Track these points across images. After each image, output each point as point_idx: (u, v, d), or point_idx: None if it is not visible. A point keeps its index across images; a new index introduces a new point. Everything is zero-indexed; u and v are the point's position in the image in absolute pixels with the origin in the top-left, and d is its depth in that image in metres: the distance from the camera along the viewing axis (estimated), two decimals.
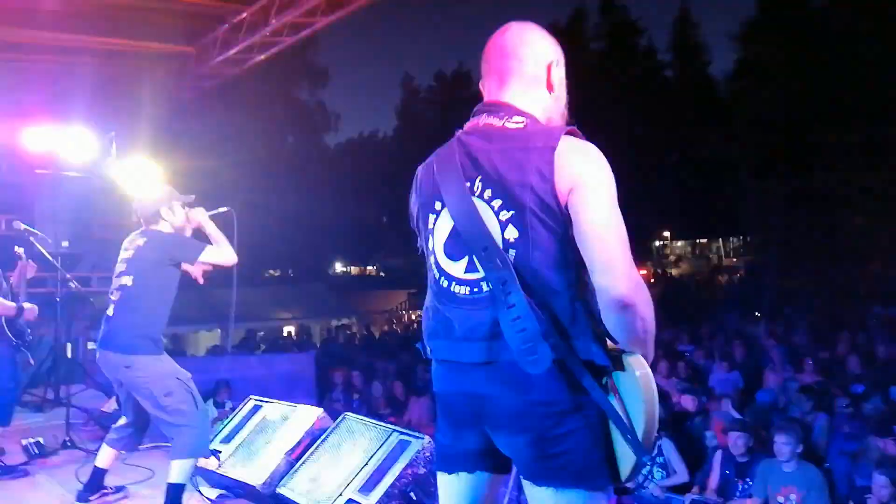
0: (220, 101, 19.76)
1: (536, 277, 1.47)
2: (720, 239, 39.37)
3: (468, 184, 1.56)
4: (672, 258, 40.63)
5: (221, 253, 3.61)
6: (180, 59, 7.56)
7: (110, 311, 3.50)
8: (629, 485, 1.51)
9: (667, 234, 38.53)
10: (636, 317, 1.44)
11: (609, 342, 1.50)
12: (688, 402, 6.70)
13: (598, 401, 1.44)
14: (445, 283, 1.60)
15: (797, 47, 24.14)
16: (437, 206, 1.63)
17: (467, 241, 1.54)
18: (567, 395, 1.46)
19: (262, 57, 7.32)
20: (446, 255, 1.61)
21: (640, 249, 33.90)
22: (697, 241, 40.69)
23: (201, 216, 3.70)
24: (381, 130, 44.78)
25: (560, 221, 1.48)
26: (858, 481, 5.02)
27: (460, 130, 1.67)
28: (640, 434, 1.42)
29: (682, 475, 5.66)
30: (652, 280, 33.75)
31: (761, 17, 28.62)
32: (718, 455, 5.49)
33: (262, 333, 17.65)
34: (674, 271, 36.43)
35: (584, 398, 1.46)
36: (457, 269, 1.58)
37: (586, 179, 1.47)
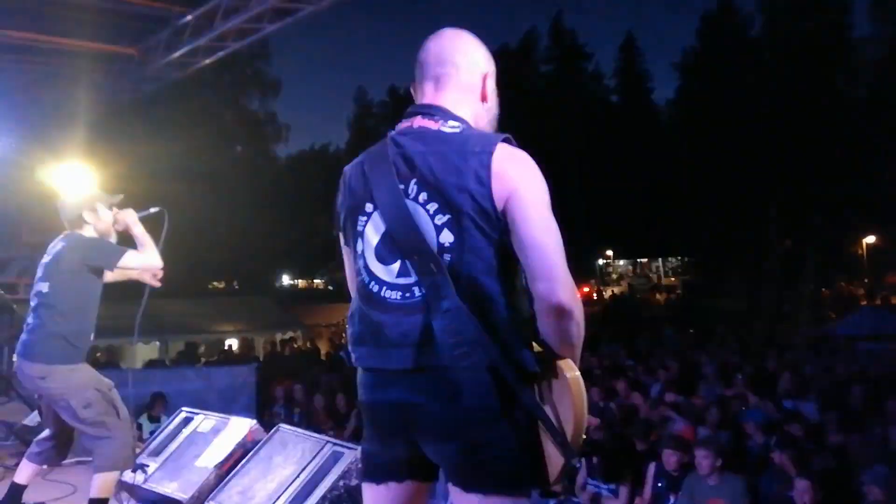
0: (165, 106, 19.30)
1: (471, 283, 1.46)
2: (660, 259, 40.52)
3: (402, 186, 1.52)
4: (614, 276, 41.57)
5: (145, 257, 3.46)
6: (121, 61, 7.36)
7: (29, 320, 3.36)
8: (556, 488, 1.52)
9: (609, 252, 39.40)
10: (572, 322, 1.46)
11: (536, 346, 1.51)
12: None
13: (528, 405, 1.44)
14: (376, 288, 1.56)
15: (734, 76, 25.21)
16: (368, 207, 1.58)
17: (400, 244, 1.51)
18: (497, 401, 1.45)
19: (207, 61, 7.20)
20: (377, 258, 1.56)
21: (584, 268, 34.57)
22: (638, 260, 41.77)
23: (129, 217, 3.53)
24: (332, 143, 44.61)
25: (496, 227, 1.47)
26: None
27: (393, 131, 1.64)
28: (569, 436, 1.43)
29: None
30: (594, 297, 34.44)
31: (701, 48, 29.85)
32: (651, 468, 5.59)
33: (203, 348, 17.18)
34: (615, 289, 37.27)
35: (514, 403, 1.45)
36: (388, 273, 1.54)
37: (524, 187, 1.48)
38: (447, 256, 1.47)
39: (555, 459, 1.46)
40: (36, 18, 6.33)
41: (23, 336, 3.35)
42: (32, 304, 3.36)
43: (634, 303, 31.12)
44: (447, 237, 1.47)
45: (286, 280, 40.01)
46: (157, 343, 15.94)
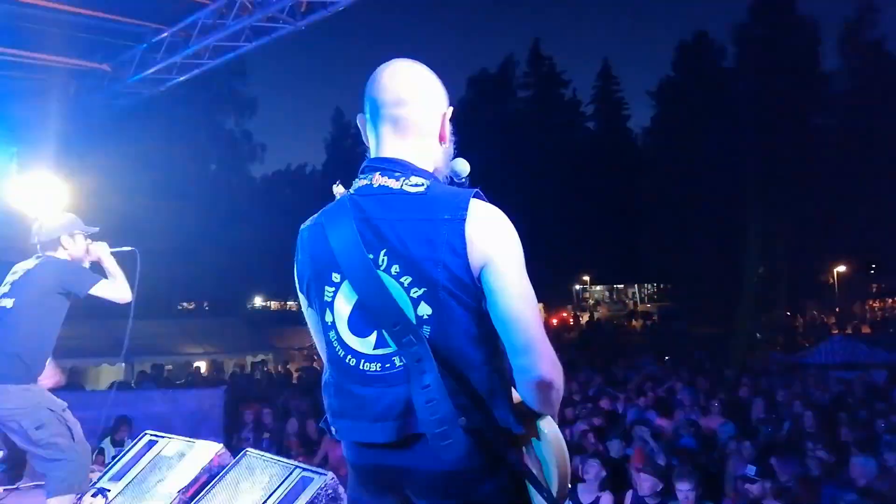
0: (139, 123, 19.10)
1: (453, 353, 1.43)
2: (636, 285, 40.90)
3: (371, 256, 1.46)
4: (591, 302, 41.80)
5: (116, 289, 3.50)
6: (94, 76, 7.25)
7: None
8: None
9: (586, 278, 39.68)
10: (553, 390, 1.45)
11: (517, 396, 1.51)
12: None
13: (514, 465, 1.46)
14: (353, 362, 1.51)
15: (709, 105, 25.79)
16: (336, 277, 1.51)
17: (376, 316, 1.46)
18: (484, 462, 1.45)
19: (182, 78, 7.12)
20: (351, 330, 1.51)
21: (561, 293, 34.72)
22: (615, 286, 42.11)
23: (102, 251, 3.58)
24: (309, 164, 44.53)
25: (474, 296, 1.44)
26: None
27: (351, 190, 1.55)
28: (554, 491, 1.45)
29: None
30: (571, 323, 34.56)
31: (676, 77, 30.54)
32: (629, 496, 5.55)
33: (171, 368, 16.80)
34: (592, 315, 37.47)
35: (500, 462, 1.46)
36: (364, 345, 1.50)
37: (499, 255, 1.44)
38: (426, 328, 1.43)
39: None
40: (6, 32, 6.22)
41: None
42: None
43: (611, 329, 31.29)
44: (425, 310, 1.44)
45: (258, 301, 39.52)
46: (123, 364, 15.54)
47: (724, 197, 23.63)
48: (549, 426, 1.46)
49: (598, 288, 43.06)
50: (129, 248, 3.72)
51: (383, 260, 1.46)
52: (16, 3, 5.73)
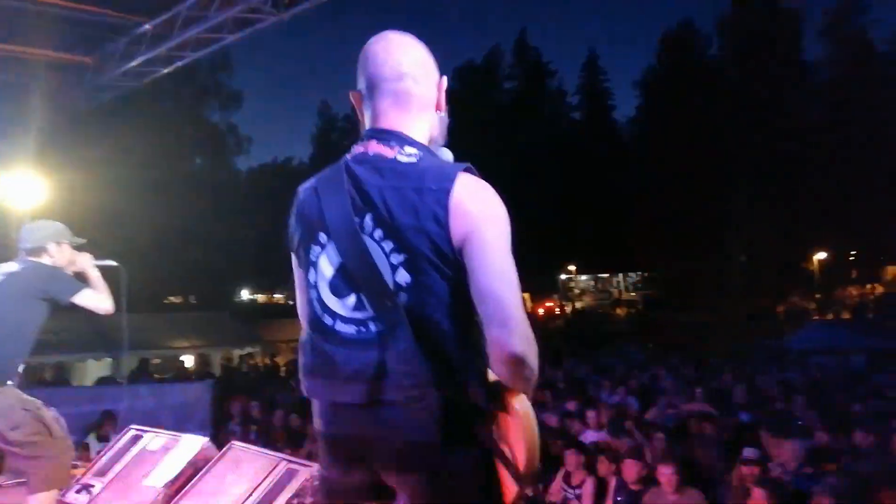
0: (122, 116, 18.90)
1: (428, 322, 1.44)
2: (620, 274, 41.11)
3: (357, 220, 1.48)
4: (576, 291, 41.99)
5: (99, 299, 3.45)
6: (76, 69, 7.17)
7: None
8: None
9: (572, 267, 39.84)
10: (526, 368, 1.44)
11: (491, 373, 1.51)
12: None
13: (483, 440, 1.46)
14: (329, 322, 1.54)
15: (693, 95, 25.91)
16: (323, 238, 1.54)
17: (356, 279, 1.48)
18: (453, 434, 1.45)
19: (165, 71, 7.06)
20: (332, 291, 1.53)
21: (547, 282, 34.85)
22: (599, 275, 42.31)
23: (86, 262, 3.56)
24: (295, 157, 44.22)
25: (453, 267, 1.45)
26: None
27: (348, 155, 1.58)
28: (521, 468, 1.44)
29: None
30: (557, 312, 34.73)
31: (661, 67, 30.64)
32: (612, 482, 5.62)
33: (158, 362, 16.72)
34: (578, 304, 37.66)
35: (469, 436, 1.46)
36: (343, 306, 1.52)
37: (482, 228, 1.44)
38: (403, 296, 1.45)
39: (510, 489, 1.49)
40: None
41: None
42: None
43: (596, 317, 31.48)
44: (403, 277, 1.45)
45: (245, 295, 39.32)
46: (109, 359, 15.46)
47: (709, 186, 23.80)
48: (520, 403, 1.45)
49: (584, 277, 43.25)
50: (113, 264, 3.71)
51: (368, 224, 1.48)
52: None
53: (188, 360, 17.31)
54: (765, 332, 21.26)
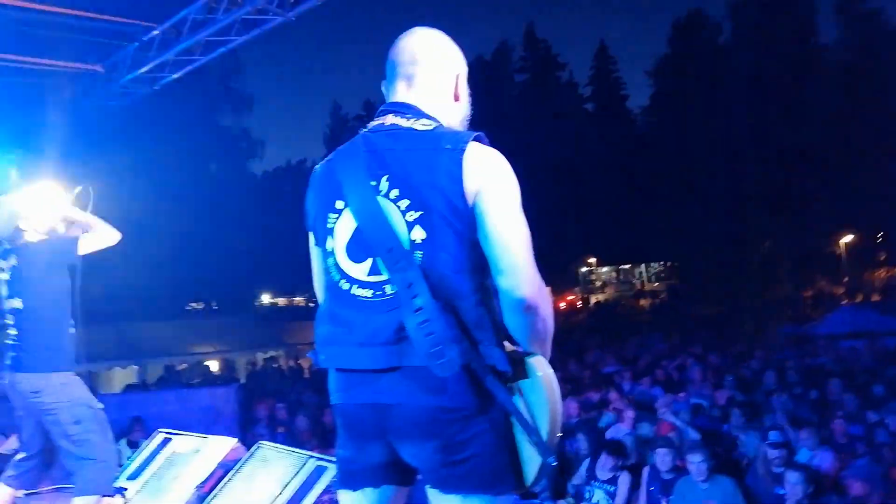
0: (136, 125, 19.09)
1: (442, 280, 1.44)
2: (642, 265, 40.76)
3: (373, 183, 1.51)
4: (598, 284, 41.72)
5: (101, 237, 3.47)
6: (88, 78, 7.23)
7: (12, 334, 3.31)
8: (535, 489, 1.48)
9: (592, 260, 39.58)
10: (538, 318, 1.46)
11: (509, 344, 1.51)
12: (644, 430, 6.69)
13: (503, 404, 1.43)
14: (346, 286, 1.54)
15: (707, 82, 25.62)
16: (339, 205, 1.56)
17: (371, 242, 1.49)
18: (472, 400, 1.43)
19: (176, 76, 7.09)
20: (348, 256, 1.54)
21: (567, 276, 34.69)
22: (621, 267, 41.98)
23: (65, 210, 3.51)
24: (309, 159, 44.42)
25: (467, 224, 1.46)
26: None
27: (364, 129, 1.62)
28: (544, 435, 1.42)
29: None
30: (579, 305, 34.54)
31: (673, 55, 30.32)
32: (645, 472, 5.55)
33: (184, 367, 16.88)
34: (600, 297, 37.40)
35: (489, 402, 1.44)
36: (359, 271, 1.52)
37: (493, 184, 1.47)
38: (419, 253, 1.46)
39: (532, 459, 1.45)
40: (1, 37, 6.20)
41: (9, 353, 3.31)
42: (9, 321, 3.32)
43: (619, 310, 31.24)
44: (419, 234, 1.47)
45: (266, 298, 39.61)
46: (136, 367, 15.65)
47: (726, 172, 23.52)
48: (540, 366, 1.45)
49: (605, 269, 42.97)
50: (78, 189, 3.61)
51: (384, 186, 1.51)
52: (6, 7, 5.70)
53: (213, 366, 17.45)
54: (792, 318, 20.97)
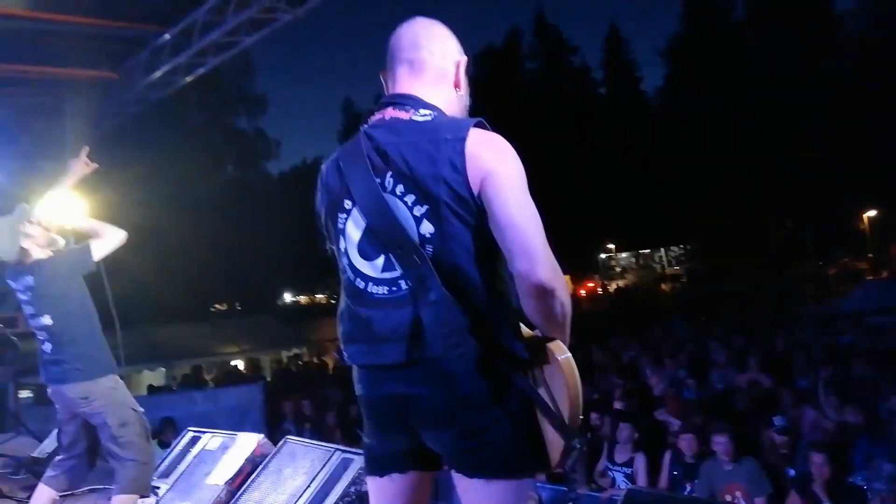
0: (152, 131, 19.27)
1: (455, 272, 1.46)
2: (662, 249, 40.39)
3: (378, 180, 1.51)
4: (617, 269, 41.44)
5: (108, 240, 3.51)
6: (103, 85, 7.32)
7: (48, 349, 3.38)
8: (559, 470, 1.51)
9: (611, 246, 39.30)
10: (556, 301, 1.45)
11: (526, 329, 1.52)
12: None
13: (523, 390, 1.45)
14: (362, 285, 1.56)
15: (721, 59, 25.23)
16: (347, 204, 1.57)
17: (382, 239, 1.51)
18: (491, 387, 1.45)
19: (189, 79, 7.15)
20: (360, 255, 1.56)
21: (587, 262, 34.48)
22: (640, 251, 41.63)
23: (63, 218, 3.54)
24: (325, 157, 44.48)
25: (474, 213, 1.47)
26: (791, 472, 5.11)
27: (365, 124, 1.62)
28: (566, 418, 1.43)
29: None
30: (600, 292, 34.33)
31: (685, 34, 29.90)
32: (667, 456, 5.53)
33: (209, 370, 17.08)
34: (620, 283, 37.14)
35: (508, 388, 1.46)
36: (372, 268, 1.54)
37: (498, 169, 1.47)
38: (429, 247, 1.47)
39: (555, 442, 1.47)
40: (14, 49, 6.29)
41: (49, 367, 3.38)
42: (42, 337, 3.39)
43: (641, 295, 31.00)
44: (427, 228, 1.47)
45: (288, 297, 39.91)
46: (163, 369, 15.87)
47: (744, 150, 23.18)
48: (560, 351, 1.46)
49: (624, 255, 42.66)
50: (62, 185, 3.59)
51: (389, 181, 1.51)
52: (17, 19, 5.79)
53: (239, 365, 17.64)
54: (816, 296, 20.67)
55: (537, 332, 1.53)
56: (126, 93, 7.23)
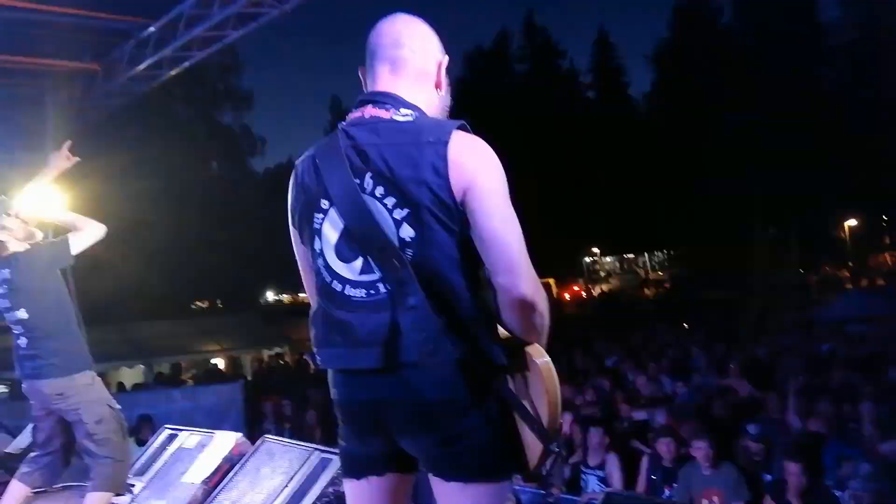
0: (136, 124, 19.09)
1: (435, 277, 1.44)
2: (646, 254, 40.67)
3: (357, 180, 1.48)
4: (602, 274, 41.67)
5: (87, 234, 3.45)
6: (86, 77, 7.22)
7: (23, 344, 3.33)
8: (537, 473, 1.50)
9: (596, 250, 39.51)
10: (536, 314, 1.46)
11: (504, 332, 1.51)
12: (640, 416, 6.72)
13: (502, 395, 1.45)
14: (339, 287, 1.53)
15: (708, 65, 25.44)
16: (324, 204, 1.53)
17: (360, 241, 1.48)
18: (468, 393, 1.44)
19: (173, 72, 7.07)
20: (338, 256, 1.53)
21: (571, 266, 34.61)
22: (625, 256, 41.90)
23: (41, 212, 3.50)
24: None
25: (456, 219, 1.45)
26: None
27: (343, 122, 1.59)
28: (545, 422, 1.43)
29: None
30: (584, 296, 34.48)
31: (673, 39, 30.16)
32: (645, 461, 5.54)
33: (189, 368, 16.94)
34: (604, 287, 37.34)
35: (485, 394, 1.45)
36: (350, 271, 1.51)
37: (482, 178, 1.45)
38: (409, 251, 1.45)
39: (534, 446, 1.46)
40: None
41: (24, 362, 3.34)
42: (17, 332, 3.34)
43: (624, 299, 31.17)
44: (408, 232, 1.45)
45: (270, 296, 39.68)
46: (142, 366, 15.71)
47: (730, 157, 23.40)
48: (538, 356, 1.46)
49: (609, 259, 42.89)
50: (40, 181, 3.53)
51: (369, 183, 1.48)
52: (1, 8, 5.69)
53: (220, 363, 17.51)
54: (797, 304, 20.90)
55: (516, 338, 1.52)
56: (109, 85, 7.12)
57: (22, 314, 3.28)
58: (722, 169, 23.51)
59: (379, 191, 1.46)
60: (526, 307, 1.44)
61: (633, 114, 35.32)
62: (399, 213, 1.45)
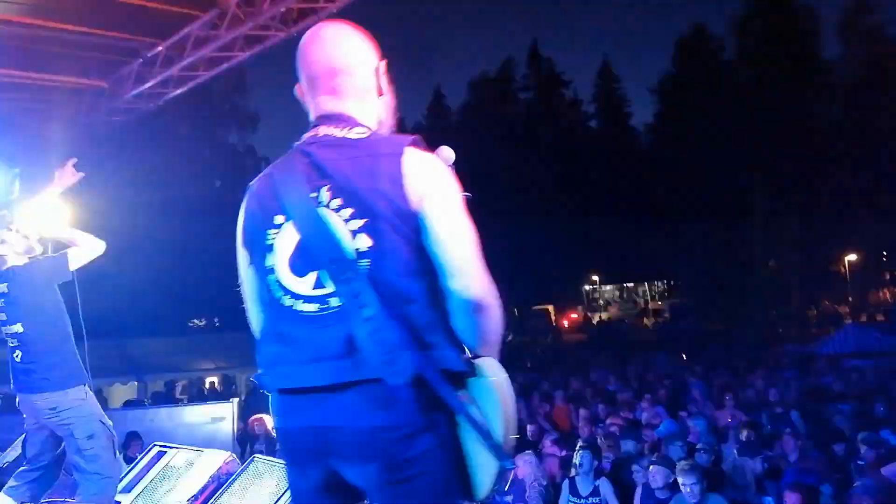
0: (141, 141, 19.20)
1: (391, 287, 1.43)
2: (646, 283, 40.64)
3: (314, 194, 1.49)
4: (601, 302, 41.59)
5: (86, 250, 3.48)
6: (93, 94, 7.29)
7: (18, 357, 3.34)
8: (486, 496, 1.46)
9: (596, 278, 39.48)
10: (489, 318, 1.46)
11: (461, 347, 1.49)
12: (629, 447, 6.66)
13: (456, 408, 1.40)
14: (289, 302, 1.50)
15: (711, 98, 25.68)
16: (279, 220, 1.53)
17: (315, 254, 1.47)
18: (419, 416, 1.41)
19: (179, 91, 7.15)
20: (292, 271, 1.51)
21: (571, 293, 34.56)
22: (625, 285, 41.86)
23: (42, 228, 3.53)
24: None
25: (412, 228, 1.46)
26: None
27: (298, 142, 1.60)
28: (499, 438, 1.40)
29: None
30: (582, 322, 34.37)
31: (677, 72, 30.49)
32: (639, 490, 5.49)
33: (183, 386, 16.83)
34: (603, 315, 37.25)
35: (437, 416, 1.42)
36: (303, 285, 1.49)
37: (436, 188, 1.48)
38: (364, 262, 1.44)
39: (486, 466, 1.43)
40: (5, 53, 6.26)
41: (18, 376, 3.35)
42: (12, 345, 3.35)
43: (623, 328, 31.06)
44: (364, 242, 1.44)
45: None
46: (136, 383, 15.61)
47: (731, 190, 23.50)
48: (491, 367, 1.44)
49: (608, 288, 42.82)
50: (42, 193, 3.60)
51: (325, 196, 1.48)
52: (12, 24, 5.77)
53: (214, 381, 17.39)
54: (796, 337, 20.82)
55: (468, 353, 1.50)
56: (115, 102, 7.19)
57: (18, 328, 3.30)
58: (723, 201, 23.60)
59: (335, 203, 1.47)
60: (478, 310, 1.44)
61: (635, 144, 35.58)
62: (355, 224, 1.45)
